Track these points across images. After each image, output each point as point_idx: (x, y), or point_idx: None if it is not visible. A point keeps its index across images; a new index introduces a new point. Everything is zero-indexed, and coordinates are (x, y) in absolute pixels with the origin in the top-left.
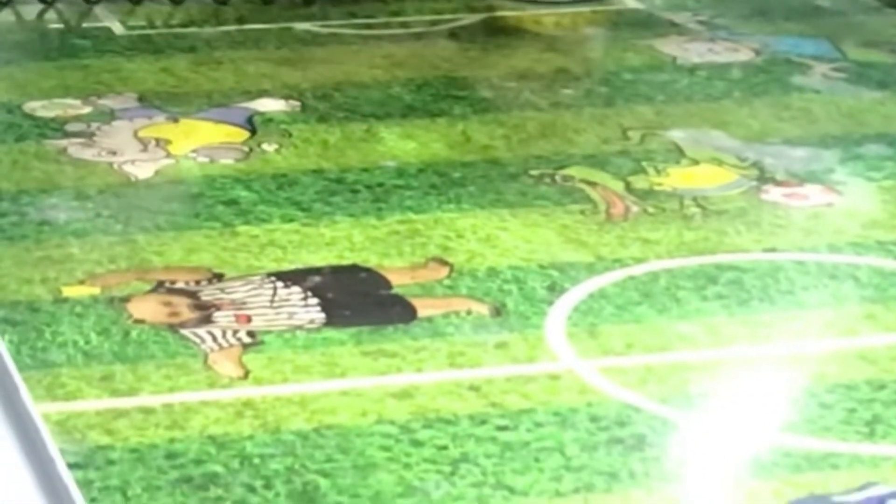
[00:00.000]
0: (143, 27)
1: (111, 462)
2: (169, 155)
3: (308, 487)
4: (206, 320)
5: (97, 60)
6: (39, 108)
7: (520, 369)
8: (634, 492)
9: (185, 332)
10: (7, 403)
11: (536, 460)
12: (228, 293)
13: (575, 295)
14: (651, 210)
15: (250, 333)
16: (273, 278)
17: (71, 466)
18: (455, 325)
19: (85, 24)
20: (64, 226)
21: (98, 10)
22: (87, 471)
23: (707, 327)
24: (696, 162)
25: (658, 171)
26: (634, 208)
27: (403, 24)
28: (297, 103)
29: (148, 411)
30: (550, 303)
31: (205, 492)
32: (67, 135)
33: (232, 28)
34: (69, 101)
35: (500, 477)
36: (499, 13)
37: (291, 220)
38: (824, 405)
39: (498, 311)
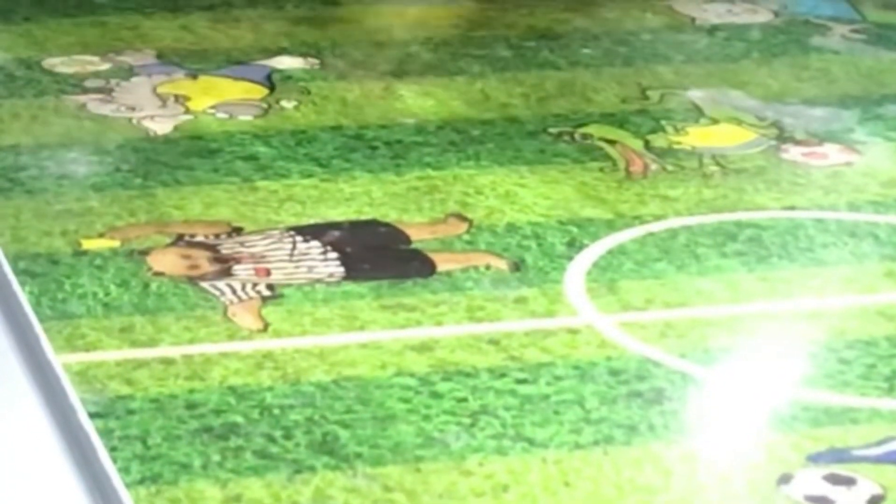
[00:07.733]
0: None
1: (131, 412)
2: (188, 111)
3: (328, 438)
4: (226, 273)
5: (116, 17)
6: (59, 64)
7: (539, 324)
8: (654, 444)
9: (204, 284)
10: (28, 354)
11: (556, 413)
12: (248, 247)
13: (594, 251)
14: (670, 168)
15: (269, 287)
16: (292, 232)
17: (91, 416)
18: (474, 280)
19: None
20: (83, 180)
21: None
22: (107, 420)
23: (726, 283)
24: (715, 121)
25: (677, 130)
26: (653, 166)
27: None
28: (316, 61)
29: (168, 362)
30: (570, 258)
31: (225, 441)
32: (86, 90)
33: None
34: (88, 57)
35: (520, 429)
36: None
37: (310, 176)
38: (844, 361)
39: (517, 266)
